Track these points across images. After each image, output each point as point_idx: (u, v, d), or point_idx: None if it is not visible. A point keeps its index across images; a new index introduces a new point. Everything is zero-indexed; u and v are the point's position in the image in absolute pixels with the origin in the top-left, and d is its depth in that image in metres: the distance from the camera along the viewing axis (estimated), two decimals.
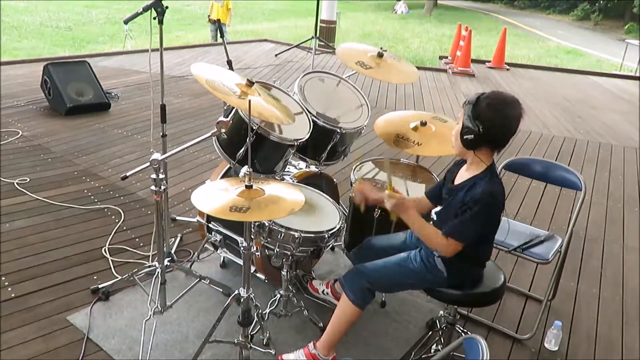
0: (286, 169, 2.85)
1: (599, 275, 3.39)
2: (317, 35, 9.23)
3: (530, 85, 9.21)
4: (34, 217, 3.45)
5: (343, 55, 3.05)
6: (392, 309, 2.80)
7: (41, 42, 12.85)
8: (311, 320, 2.62)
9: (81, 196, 3.79)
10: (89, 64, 5.87)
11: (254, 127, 2.40)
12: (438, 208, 2.30)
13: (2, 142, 4.62)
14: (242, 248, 2.04)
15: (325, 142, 2.79)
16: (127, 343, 2.44)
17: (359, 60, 2.99)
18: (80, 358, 2.33)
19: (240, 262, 2.68)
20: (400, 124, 2.93)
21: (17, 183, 3.85)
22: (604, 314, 3.00)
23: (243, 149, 2.48)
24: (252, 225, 2.18)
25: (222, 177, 2.83)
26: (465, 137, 1.99)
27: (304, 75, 2.95)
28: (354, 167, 2.88)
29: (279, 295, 2.66)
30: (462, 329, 2.66)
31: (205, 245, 3.05)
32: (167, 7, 2.64)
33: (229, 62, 3.16)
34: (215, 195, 1.91)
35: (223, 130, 2.15)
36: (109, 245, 3.20)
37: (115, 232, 3.35)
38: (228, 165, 2.80)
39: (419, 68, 9.02)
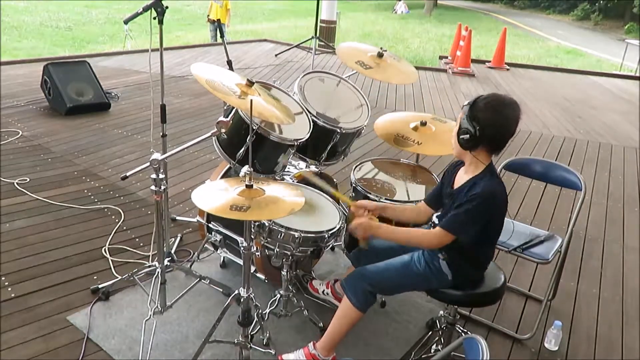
0: (286, 169, 2.85)
1: (599, 275, 3.39)
2: (317, 35, 9.23)
3: (530, 85, 9.21)
4: (34, 217, 3.45)
5: (343, 55, 3.05)
6: (392, 309, 2.80)
7: (41, 42, 12.85)
8: (311, 320, 2.62)
9: (81, 196, 3.79)
10: (89, 64, 5.87)
11: (254, 127, 2.40)
12: (439, 212, 2.29)
13: (2, 142, 4.62)
14: (242, 248, 2.04)
15: (325, 142, 2.79)
16: (127, 343, 2.44)
17: (359, 60, 2.99)
18: (80, 358, 2.33)
19: (240, 262, 2.68)
20: (400, 124, 2.93)
21: (17, 183, 3.85)
22: (604, 314, 3.00)
23: (243, 149, 2.48)
24: (252, 225, 2.18)
25: (222, 177, 2.83)
26: (461, 136, 2.00)
27: (304, 75, 2.95)
28: (354, 167, 2.88)
29: (279, 295, 2.66)
30: (462, 329, 2.66)
31: (205, 245, 3.05)
32: (167, 7, 2.64)
33: (229, 62, 3.16)
34: (215, 195, 1.91)
35: (223, 130, 2.15)
36: (109, 245, 3.20)
37: (115, 232, 3.35)
38: (228, 165, 2.80)
39: (419, 68, 9.09)
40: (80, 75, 5.67)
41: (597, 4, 26.93)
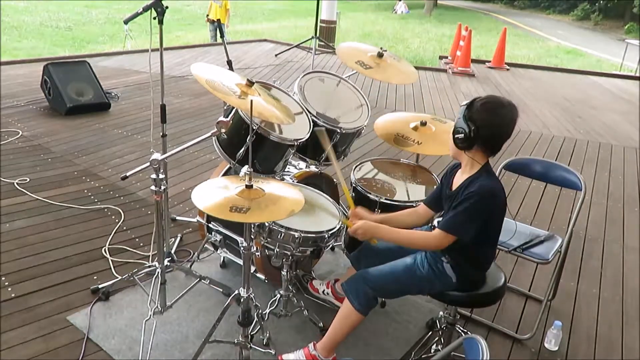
0: (286, 169, 2.85)
1: (599, 275, 3.39)
2: (317, 35, 9.23)
3: (530, 85, 9.21)
4: (34, 217, 3.45)
5: (343, 55, 3.05)
6: (392, 309, 2.80)
7: (41, 42, 12.86)
8: (311, 320, 2.62)
9: (81, 196, 3.79)
10: (89, 64, 5.87)
11: (254, 127, 2.40)
12: (440, 214, 2.29)
13: (2, 142, 4.62)
14: (242, 248, 2.04)
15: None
16: (127, 343, 2.44)
17: (359, 59, 2.99)
18: (80, 358, 2.33)
19: (240, 262, 2.68)
20: (400, 124, 2.94)
21: (17, 183, 3.85)
22: (604, 314, 3.00)
23: (243, 149, 2.48)
24: (252, 226, 2.18)
25: (222, 176, 2.83)
26: (456, 135, 2.02)
27: (304, 75, 2.95)
28: (354, 167, 2.88)
29: (279, 295, 2.66)
30: (462, 329, 2.66)
31: (205, 245, 3.05)
32: (167, 7, 2.64)
33: (229, 62, 3.16)
34: (215, 194, 1.91)
35: (223, 130, 2.15)
36: (109, 245, 3.20)
37: (115, 232, 3.35)
38: (228, 165, 2.80)
39: (419, 68, 9.09)
40: (80, 75, 5.67)
41: (597, 4, 26.93)
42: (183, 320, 2.61)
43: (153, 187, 2.23)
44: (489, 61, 10.61)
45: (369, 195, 2.64)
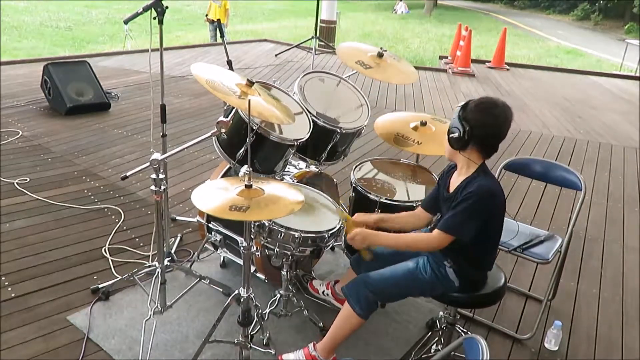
0: (286, 169, 2.85)
1: (599, 275, 3.39)
2: (317, 35, 9.23)
3: (530, 85, 9.21)
4: (34, 217, 3.45)
5: (343, 55, 3.05)
6: (392, 309, 2.80)
7: (41, 42, 12.85)
8: (311, 320, 2.62)
9: (81, 196, 3.79)
10: (89, 64, 5.87)
11: (254, 127, 2.40)
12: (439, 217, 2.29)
13: (2, 142, 4.62)
14: (242, 248, 2.04)
15: (325, 142, 2.79)
16: (127, 343, 2.44)
17: (359, 59, 2.99)
18: (80, 358, 2.33)
19: (240, 262, 2.68)
20: (400, 124, 2.94)
21: (17, 183, 3.85)
22: (604, 314, 3.00)
23: (243, 149, 2.48)
24: (252, 225, 2.18)
25: (222, 177, 2.83)
26: (450, 135, 2.03)
27: (304, 75, 2.95)
28: (354, 167, 2.88)
29: (279, 295, 2.66)
30: (462, 329, 2.66)
31: (205, 245, 3.05)
32: (167, 7, 2.64)
33: (229, 62, 3.16)
34: (215, 195, 1.91)
35: (223, 130, 2.15)
36: (109, 245, 3.20)
37: (115, 232, 3.35)
38: (228, 165, 2.80)
39: (419, 68, 9.09)
40: (80, 75, 5.67)
41: (597, 4, 26.92)
42: (183, 320, 2.61)
43: (153, 187, 2.23)
44: (489, 61, 10.61)
45: (369, 195, 2.64)
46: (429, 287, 2.17)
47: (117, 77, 7.19)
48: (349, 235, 2.19)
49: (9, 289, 2.74)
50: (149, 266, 2.76)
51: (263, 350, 2.42)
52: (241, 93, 2.23)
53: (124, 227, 3.43)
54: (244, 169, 1.92)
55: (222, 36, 3.74)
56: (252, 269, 2.66)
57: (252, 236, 2.19)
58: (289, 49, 9.95)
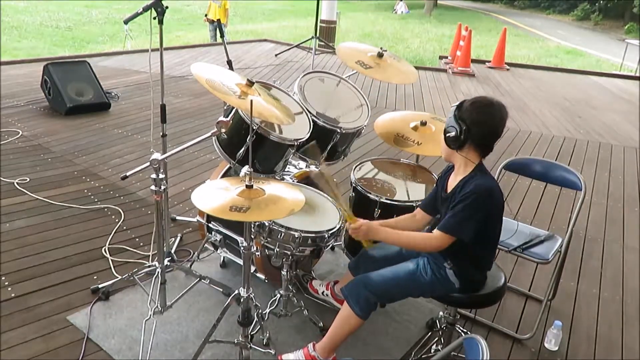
0: (286, 169, 2.85)
1: (599, 275, 3.39)
2: (317, 35, 9.23)
3: (530, 85, 9.21)
4: (34, 217, 3.45)
5: (343, 55, 3.05)
6: (392, 309, 2.80)
7: (41, 42, 12.85)
8: (311, 320, 2.62)
9: (81, 196, 3.79)
10: (89, 64, 5.87)
11: (254, 127, 2.40)
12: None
13: (2, 142, 4.62)
14: (242, 248, 2.04)
15: (325, 142, 2.79)
16: (127, 343, 2.44)
17: (359, 59, 2.99)
18: (80, 358, 2.33)
19: (240, 262, 2.68)
20: (400, 123, 2.94)
21: (17, 183, 3.85)
22: (604, 314, 3.00)
23: (243, 148, 2.48)
24: (252, 225, 2.18)
25: (222, 177, 2.83)
26: (447, 135, 2.04)
27: (304, 75, 2.95)
28: (354, 167, 2.88)
29: (279, 295, 2.66)
30: (462, 329, 2.66)
31: (205, 245, 3.05)
32: (167, 7, 2.64)
33: (229, 62, 3.16)
34: (215, 195, 1.91)
35: (223, 130, 2.15)
36: (109, 245, 3.20)
37: (115, 232, 3.35)
38: (228, 165, 2.80)
39: (419, 68, 9.09)
40: (80, 75, 5.67)
41: (597, 4, 26.92)
42: (183, 320, 2.61)
43: (153, 187, 2.23)
44: (489, 61, 10.61)
45: (369, 195, 2.64)
46: (429, 288, 2.17)
47: (117, 77, 7.19)
48: (354, 224, 2.15)
49: (9, 289, 2.74)
50: (149, 266, 2.75)
51: (263, 350, 2.42)
52: (241, 93, 2.23)
53: (124, 227, 3.43)
54: (245, 169, 1.92)
55: (222, 36, 3.74)
56: (252, 269, 2.66)
57: (252, 236, 2.19)
58: (289, 49, 9.95)
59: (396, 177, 2.91)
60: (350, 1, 28.54)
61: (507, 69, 10.36)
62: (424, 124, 2.87)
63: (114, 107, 5.87)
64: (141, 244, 3.27)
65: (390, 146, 2.89)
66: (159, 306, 2.51)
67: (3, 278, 2.82)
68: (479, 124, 1.98)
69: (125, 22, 2.84)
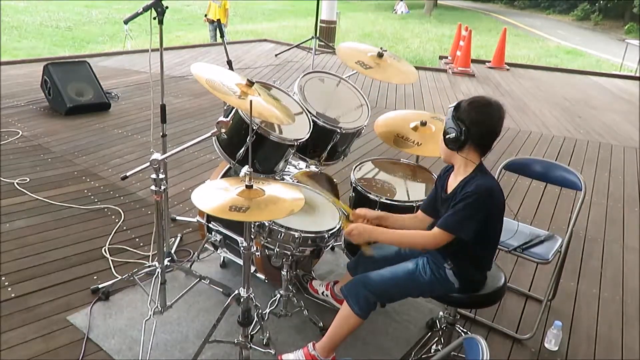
0: (286, 169, 2.85)
1: (599, 275, 3.39)
2: (317, 35, 9.23)
3: (530, 85, 9.21)
4: (34, 217, 3.45)
5: (343, 55, 3.05)
6: (392, 309, 2.80)
7: (41, 42, 12.85)
8: (311, 320, 2.62)
9: (81, 196, 3.79)
10: (89, 64, 5.87)
11: (254, 127, 2.40)
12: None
13: (2, 142, 4.62)
14: (242, 248, 2.04)
15: (325, 142, 2.79)
16: (127, 343, 2.44)
17: (359, 59, 2.99)
18: (80, 358, 2.33)
19: (240, 262, 2.68)
20: (400, 123, 2.94)
21: (17, 183, 3.85)
22: (604, 314, 3.00)
23: (243, 149, 2.48)
24: (252, 225, 2.18)
25: (222, 177, 2.83)
26: (446, 136, 2.04)
27: (304, 75, 2.95)
28: (354, 167, 2.88)
29: (279, 295, 2.66)
30: (462, 329, 2.66)
31: (205, 245, 3.05)
32: (167, 7, 2.64)
33: (229, 62, 3.16)
34: (215, 195, 1.91)
35: (223, 130, 2.15)
36: (109, 245, 3.20)
37: (115, 232, 3.35)
38: (228, 165, 2.80)
39: (419, 68, 9.09)
40: (80, 75, 5.67)
41: (597, 4, 26.92)
42: (183, 320, 2.61)
43: (153, 187, 2.23)
44: (489, 61, 10.61)
45: (369, 195, 2.64)
46: (428, 288, 2.17)
47: (117, 77, 7.19)
48: (346, 230, 2.19)
49: (9, 289, 2.74)
50: (149, 266, 2.76)
51: (263, 350, 2.42)
52: (241, 93, 2.23)
53: (124, 227, 3.43)
54: (245, 169, 1.92)
55: (222, 36, 3.74)
56: (252, 269, 2.66)
57: (252, 236, 2.19)
58: (289, 49, 9.95)
59: (396, 177, 2.91)
60: (350, 1, 28.54)
61: (507, 69, 10.36)
62: (424, 124, 2.87)
63: (114, 107, 5.87)
64: (141, 244, 3.27)
65: (390, 146, 2.89)
66: (159, 306, 2.51)
67: (3, 278, 2.82)
68: (478, 123, 1.98)
69: (125, 22, 2.84)
